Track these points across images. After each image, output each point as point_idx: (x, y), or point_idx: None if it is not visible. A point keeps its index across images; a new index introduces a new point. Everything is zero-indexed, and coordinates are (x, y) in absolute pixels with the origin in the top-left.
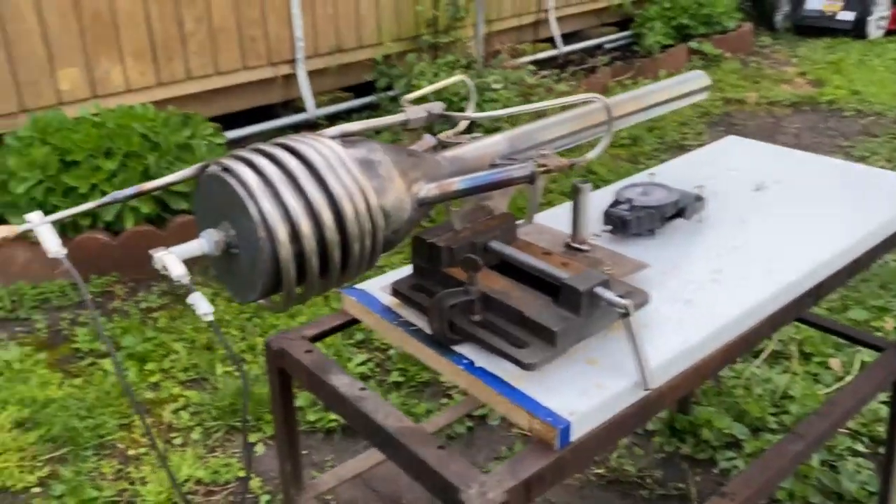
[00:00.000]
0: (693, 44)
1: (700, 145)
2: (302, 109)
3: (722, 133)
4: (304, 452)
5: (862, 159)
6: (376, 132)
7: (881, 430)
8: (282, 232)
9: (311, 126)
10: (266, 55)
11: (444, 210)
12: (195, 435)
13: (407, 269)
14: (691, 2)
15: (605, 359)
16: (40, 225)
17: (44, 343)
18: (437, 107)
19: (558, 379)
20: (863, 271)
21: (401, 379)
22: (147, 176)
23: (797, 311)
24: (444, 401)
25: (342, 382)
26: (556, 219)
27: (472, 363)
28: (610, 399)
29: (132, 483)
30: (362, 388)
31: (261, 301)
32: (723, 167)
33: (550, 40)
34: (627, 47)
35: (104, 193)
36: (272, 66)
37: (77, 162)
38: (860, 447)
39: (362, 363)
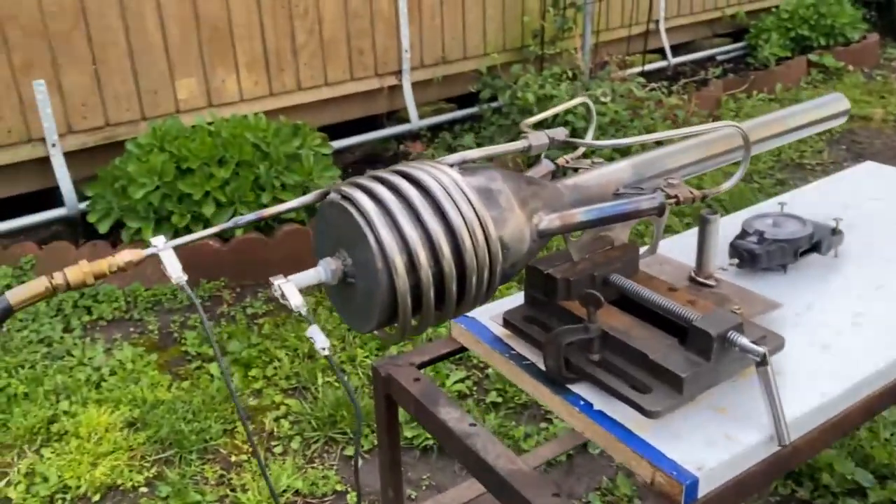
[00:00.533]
0: (813, 56)
1: (819, 164)
2: (406, 120)
3: (843, 152)
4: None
5: None
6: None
7: None
8: (399, 263)
9: (415, 136)
10: (373, 66)
11: (561, 237)
12: (295, 444)
13: (518, 298)
14: (812, 12)
15: (734, 407)
16: (163, 250)
17: (155, 344)
18: (561, 133)
19: (683, 427)
20: None
21: (499, 399)
22: (258, 185)
23: None
24: (544, 425)
25: (452, 416)
26: (677, 248)
27: (590, 405)
28: (741, 453)
29: (233, 490)
30: (472, 424)
31: (375, 331)
32: (860, 197)
33: (660, 51)
34: (741, 59)
35: (217, 201)
36: (378, 77)
37: (192, 169)
38: None
39: (460, 380)
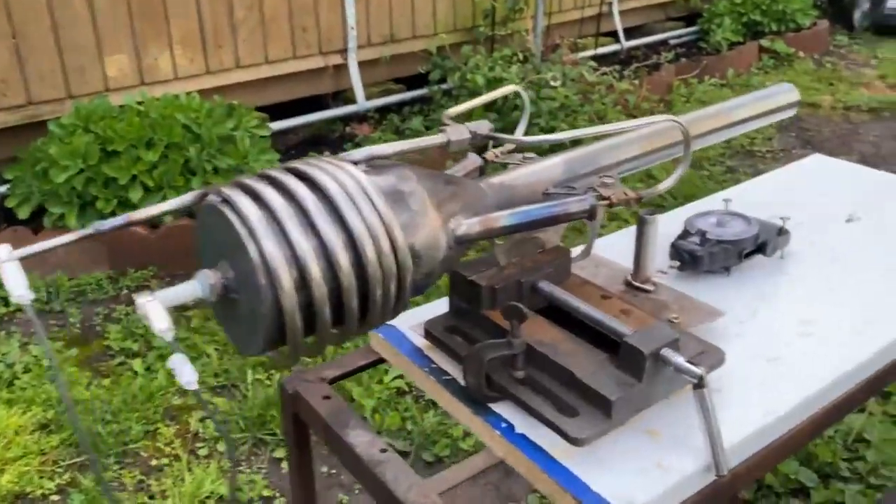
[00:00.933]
0: (764, 42)
1: (769, 151)
2: (352, 101)
3: (793, 139)
4: (332, 472)
5: None
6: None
7: None
8: (286, 278)
9: (361, 118)
10: (317, 44)
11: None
12: (221, 446)
13: (443, 305)
14: None
15: (670, 429)
16: (6, 262)
17: (76, 339)
18: (484, 126)
19: (612, 453)
20: None
21: None
22: (188, 169)
23: None
24: None
25: (361, 440)
26: (616, 248)
27: (511, 427)
28: (674, 485)
29: (152, 496)
30: (383, 450)
31: (268, 353)
32: (808, 193)
33: (613, 34)
34: (694, 44)
35: (144, 185)
36: (323, 55)
37: (118, 152)
38: None
39: (399, 376)
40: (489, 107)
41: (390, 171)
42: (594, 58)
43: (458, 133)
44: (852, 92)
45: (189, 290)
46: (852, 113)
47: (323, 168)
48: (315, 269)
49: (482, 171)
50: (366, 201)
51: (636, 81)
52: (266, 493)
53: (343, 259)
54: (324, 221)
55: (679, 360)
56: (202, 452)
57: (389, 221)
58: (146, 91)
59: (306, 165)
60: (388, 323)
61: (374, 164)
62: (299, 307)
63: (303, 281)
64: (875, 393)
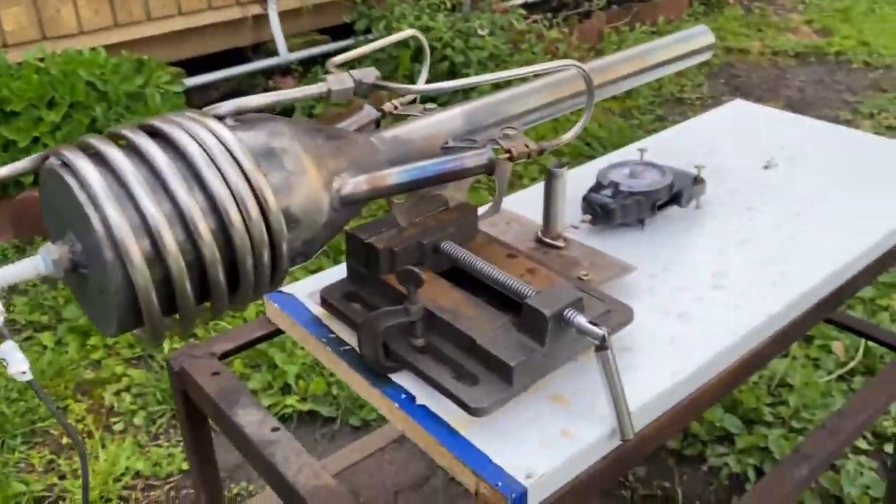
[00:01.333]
0: None
1: (699, 98)
2: (274, 53)
3: (722, 86)
4: None
5: (871, 116)
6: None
7: (886, 424)
8: (135, 251)
9: (284, 71)
10: None
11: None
12: (138, 420)
13: (342, 270)
14: None
15: (576, 395)
16: None
17: None
18: (370, 74)
19: (515, 423)
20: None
21: None
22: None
23: (813, 321)
24: None
25: (251, 419)
26: (531, 202)
27: (412, 399)
28: (578, 454)
29: (62, 477)
30: (275, 429)
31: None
32: (726, 140)
33: None
34: None
35: (46, 147)
36: (240, 5)
37: (17, 112)
38: (861, 443)
39: None
40: (416, 59)
41: (261, 126)
42: (524, 6)
43: (340, 82)
44: (780, 37)
45: (30, 266)
46: (780, 58)
47: (180, 124)
48: (170, 240)
49: (378, 126)
50: (229, 161)
51: (566, 30)
52: (185, 466)
53: (203, 227)
54: (179, 185)
55: (581, 320)
56: (117, 427)
57: (258, 183)
58: (47, 46)
59: (162, 122)
60: (285, 291)
61: (242, 119)
62: (155, 283)
63: (157, 253)
64: (789, 345)
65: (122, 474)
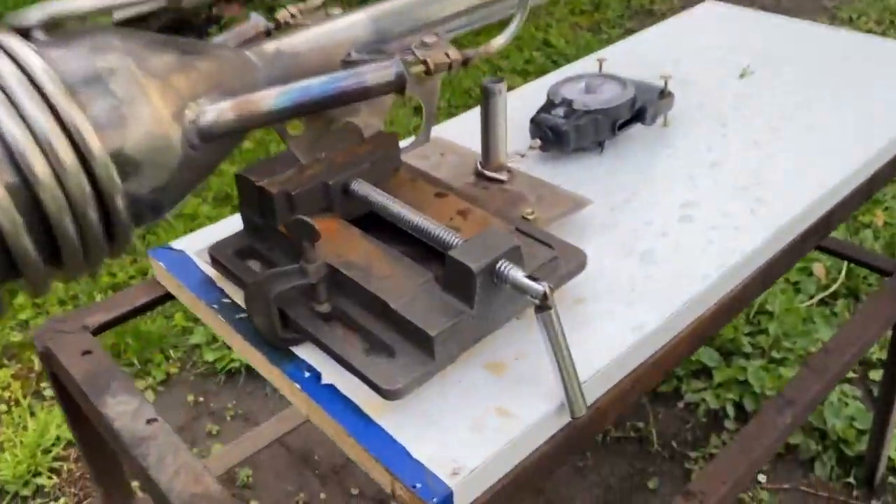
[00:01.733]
0: None
1: (671, 9)
2: None
3: None
4: (200, 399)
5: (850, 21)
6: (143, 19)
7: (872, 350)
8: None
9: None
10: None
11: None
12: None
13: (237, 222)
14: None
15: (517, 362)
16: None
17: None
18: None
19: (441, 403)
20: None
21: None
22: None
23: (800, 254)
24: None
25: (122, 409)
26: (470, 128)
27: (317, 377)
28: (518, 438)
29: None
30: (152, 420)
31: None
32: (696, 45)
33: None
34: None
35: None
36: None
37: None
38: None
39: None
40: None
41: (81, 42)
42: None
43: None
44: None
45: None
46: None
47: None
48: None
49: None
50: (29, 93)
51: None
52: None
53: None
54: None
55: (518, 275)
56: (48, 393)
57: (72, 119)
58: None
59: None
60: (174, 247)
61: (58, 34)
62: None
63: None
64: (770, 284)
65: (53, 444)
